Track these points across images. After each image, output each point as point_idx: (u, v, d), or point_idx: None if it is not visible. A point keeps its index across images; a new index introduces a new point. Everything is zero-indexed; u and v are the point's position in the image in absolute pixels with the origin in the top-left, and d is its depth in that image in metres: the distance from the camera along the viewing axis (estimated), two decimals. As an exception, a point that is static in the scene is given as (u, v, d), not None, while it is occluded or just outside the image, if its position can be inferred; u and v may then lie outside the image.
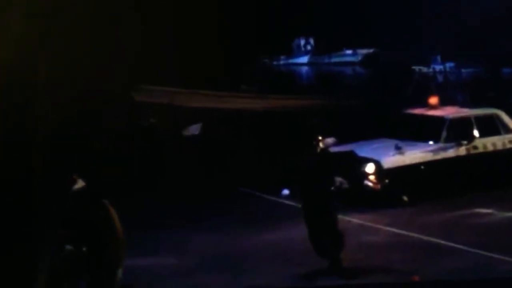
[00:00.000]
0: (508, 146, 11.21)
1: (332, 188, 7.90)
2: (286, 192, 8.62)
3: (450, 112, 11.43)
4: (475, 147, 10.96)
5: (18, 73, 5.58)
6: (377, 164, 10.30)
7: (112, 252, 6.03)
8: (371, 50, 44.91)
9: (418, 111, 11.68)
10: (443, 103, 11.88)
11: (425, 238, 8.84)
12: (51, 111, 6.20)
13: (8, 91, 5.54)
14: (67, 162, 6.93)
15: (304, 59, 47.73)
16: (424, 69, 29.72)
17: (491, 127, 11.23)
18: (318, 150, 7.91)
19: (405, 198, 10.34)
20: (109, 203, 6.11)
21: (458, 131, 10.95)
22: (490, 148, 11.07)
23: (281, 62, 46.97)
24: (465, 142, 10.89)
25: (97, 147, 11.45)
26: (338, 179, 8.97)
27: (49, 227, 6.00)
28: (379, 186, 10.25)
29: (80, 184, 6.13)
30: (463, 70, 28.06)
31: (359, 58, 45.63)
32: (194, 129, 15.91)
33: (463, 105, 12.72)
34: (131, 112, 15.61)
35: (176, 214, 10.06)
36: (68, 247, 6.02)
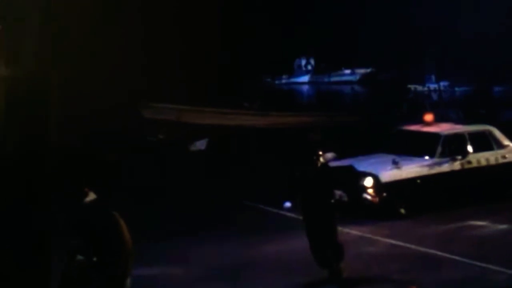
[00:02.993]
0: (501, 161, 11.42)
1: (332, 201, 8.09)
2: (288, 204, 8.85)
3: (444, 128, 11.65)
4: (469, 162, 11.18)
5: (31, 87, 5.77)
6: (375, 178, 10.53)
7: (122, 263, 6.13)
8: (368, 70, 45.45)
9: (414, 127, 11.90)
10: (438, 120, 12.14)
11: (422, 249, 9.00)
12: (62, 124, 6.41)
13: (20, 104, 5.72)
14: (77, 173, 7.18)
15: (305, 78, 48.14)
16: (420, 88, 30.06)
17: (484, 143, 11.44)
18: (319, 164, 8.11)
19: (402, 210, 10.55)
20: (118, 215, 6.31)
21: (453, 146, 11.18)
22: (483, 163, 11.28)
23: (283, 81, 47.36)
24: (459, 157, 11.12)
25: (106, 160, 11.68)
26: (338, 192, 9.23)
27: (60, 237, 6.18)
28: (377, 199, 10.45)
29: (91, 196, 6.33)
30: (456, 89, 28.42)
31: (357, 77, 46.08)
32: (200, 144, 16.27)
33: (457, 122, 13.03)
34: (140, 127, 15.93)
35: (180, 225, 10.20)
36: (79, 257, 6.16)
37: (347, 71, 46.83)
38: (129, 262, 6.21)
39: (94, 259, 6.10)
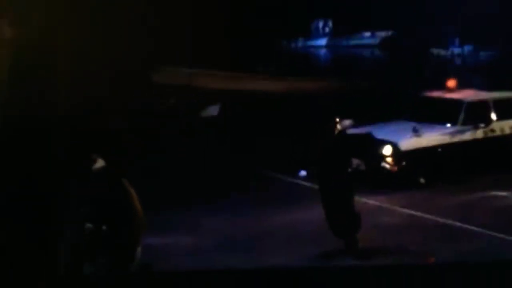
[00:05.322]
0: (526, 129, 11.17)
1: (349, 169, 7.93)
2: (303, 173, 8.70)
3: (468, 95, 11.38)
4: (493, 130, 10.92)
5: (38, 57, 5.65)
6: (395, 146, 10.32)
7: (132, 231, 6.09)
8: (389, 33, 44.50)
9: (436, 94, 11.65)
10: (461, 86, 11.86)
11: (441, 220, 8.87)
12: (70, 93, 6.27)
13: (26, 75, 5.61)
14: (86, 142, 7.05)
15: (322, 42, 47.37)
16: (443, 52, 29.37)
17: (508, 110, 11.16)
18: (336, 132, 7.93)
19: (421, 180, 10.36)
20: (128, 183, 6.18)
21: (476, 114, 10.92)
22: (507, 131, 11.03)
23: (299, 44, 46.71)
24: (482, 125, 10.87)
25: (115, 127, 11.56)
26: (355, 161, 9.00)
27: (70, 206, 6.09)
28: (396, 168, 10.28)
29: (99, 163, 6.20)
30: (481, 53, 27.70)
31: (378, 40, 45.23)
32: (212, 110, 15.99)
33: (481, 88, 12.66)
34: (149, 92, 15.74)
35: (193, 194, 10.11)
36: (88, 225, 6.08)
37: (367, 34, 45.97)
38: (140, 231, 6.14)
39: (104, 227, 6.02)
